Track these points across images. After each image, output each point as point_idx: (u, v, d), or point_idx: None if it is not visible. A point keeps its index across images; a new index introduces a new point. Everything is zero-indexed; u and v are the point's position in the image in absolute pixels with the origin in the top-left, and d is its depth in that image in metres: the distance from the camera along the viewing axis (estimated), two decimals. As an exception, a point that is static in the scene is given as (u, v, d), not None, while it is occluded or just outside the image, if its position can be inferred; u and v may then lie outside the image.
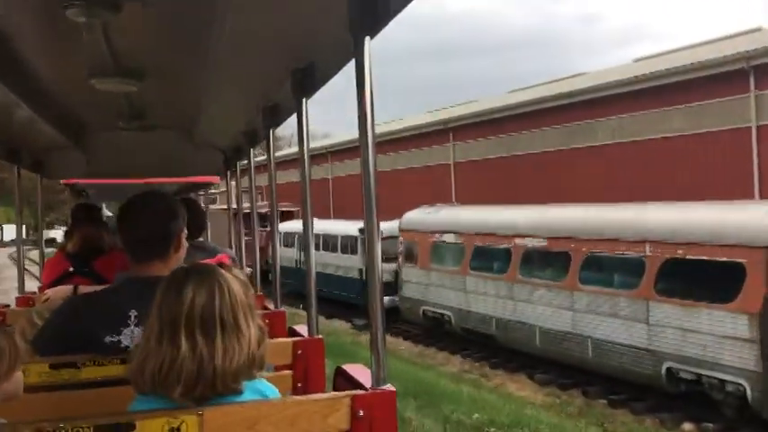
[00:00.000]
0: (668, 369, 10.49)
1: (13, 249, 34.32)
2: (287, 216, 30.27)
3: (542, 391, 13.11)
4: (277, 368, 2.51)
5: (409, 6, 1.74)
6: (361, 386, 1.87)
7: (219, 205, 35.02)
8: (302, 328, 2.90)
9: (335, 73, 2.46)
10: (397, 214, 23.48)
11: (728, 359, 9.54)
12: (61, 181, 7.68)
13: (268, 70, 2.64)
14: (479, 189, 23.65)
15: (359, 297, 20.56)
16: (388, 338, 17.59)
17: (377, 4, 1.75)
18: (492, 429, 8.78)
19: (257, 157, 4.39)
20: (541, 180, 21.58)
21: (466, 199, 22.10)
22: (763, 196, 15.89)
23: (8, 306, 3.90)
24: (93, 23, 1.99)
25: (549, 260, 13.33)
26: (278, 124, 3.34)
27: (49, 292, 3.32)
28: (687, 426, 10.39)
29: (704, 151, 16.88)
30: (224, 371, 1.56)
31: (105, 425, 1.47)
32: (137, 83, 2.75)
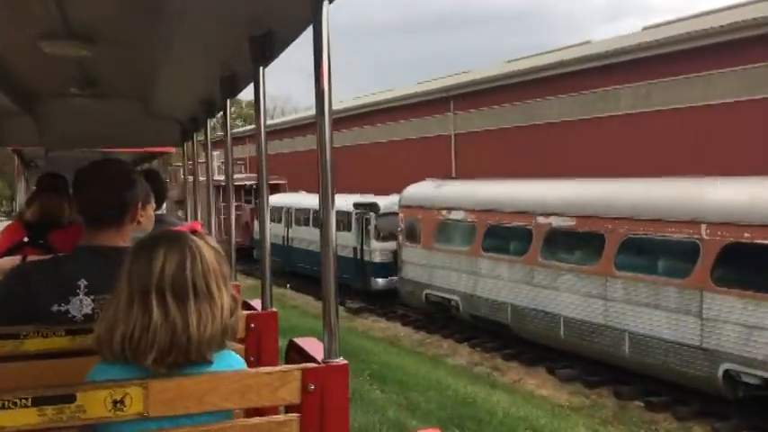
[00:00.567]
0: (726, 371, 8.99)
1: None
2: (273, 189, 28.45)
3: (566, 388, 11.62)
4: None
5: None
6: (312, 359, 1.85)
7: (201, 177, 33.19)
8: (256, 302, 2.79)
9: (293, 40, 2.36)
10: (389, 189, 21.86)
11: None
12: (9, 149, 7.55)
13: (225, 37, 2.56)
14: (482, 162, 21.98)
15: (354, 278, 18.94)
16: (386, 323, 15.82)
17: None
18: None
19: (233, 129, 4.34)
20: (553, 153, 19.95)
21: (467, 174, 20.42)
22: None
23: None
24: None
25: (577, 241, 11.75)
26: (235, 94, 3.25)
27: None
28: (747, 436, 8.98)
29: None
30: (199, 339, 1.55)
31: (44, 396, 1.44)
32: (89, 47, 2.63)
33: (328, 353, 1.81)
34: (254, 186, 28.60)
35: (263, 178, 2.71)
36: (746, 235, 8.69)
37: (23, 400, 1.43)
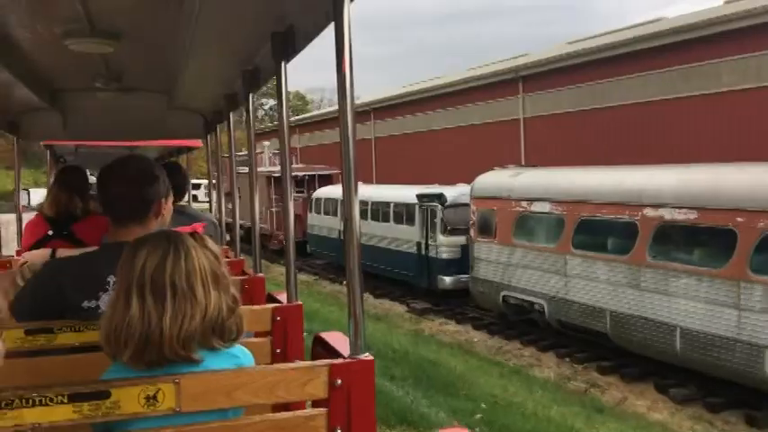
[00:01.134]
0: None
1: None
2: (324, 180, 27.11)
3: (684, 412, 9.84)
4: (256, 334, 2.49)
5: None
6: (339, 354, 1.86)
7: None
8: (281, 295, 2.80)
9: (315, 36, 2.29)
10: (452, 178, 20.17)
11: None
12: (41, 143, 7.55)
13: (247, 33, 2.60)
14: (555, 148, 20.07)
15: (418, 276, 17.38)
16: (456, 327, 14.03)
17: None
18: None
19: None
20: (638, 137, 17.93)
21: (537, 161, 18.56)
22: None
23: None
24: None
25: (698, 238, 9.91)
26: (258, 88, 3.23)
27: (27, 255, 3.32)
28: None
29: None
30: (171, 336, 1.54)
31: (81, 393, 1.47)
32: (113, 44, 2.67)
33: (354, 348, 1.81)
34: (306, 177, 27.34)
35: (287, 171, 2.71)
36: None
37: (60, 397, 1.46)
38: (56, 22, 2.49)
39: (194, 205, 5.46)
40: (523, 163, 19.98)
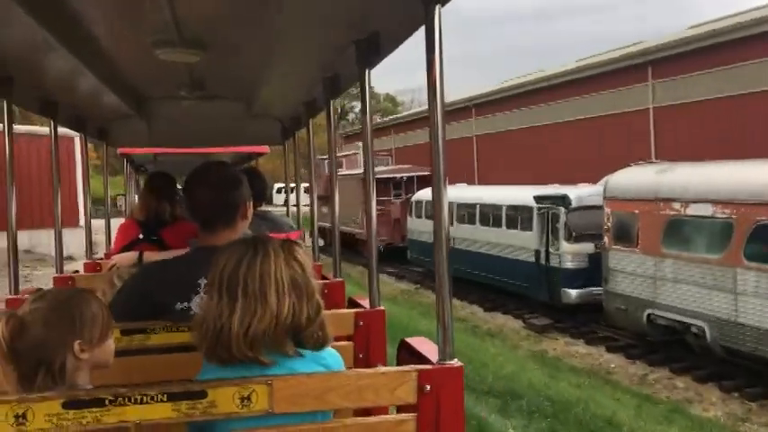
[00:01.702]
0: None
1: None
2: (424, 182, 25.52)
3: None
4: (337, 338, 2.32)
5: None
6: (426, 360, 1.87)
7: (346, 170, 30.97)
8: (363, 299, 2.76)
9: (401, 43, 2.34)
10: (572, 178, 18.07)
11: None
12: (118, 152, 7.84)
13: (330, 41, 2.61)
14: (694, 140, 17.54)
15: (536, 288, 15.44)
16: (586, 348, 10.91)
17: None
18: None
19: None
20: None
21: (669, 156, 16.16)
22: None
23: (77, 272, 4.24)
24: None
25: None
26: (338, 95, 3.28)
27: (116, 258, 3.41)
28: None
29: None
30: (238, 334, 1.59)
31: (179, 392, 1.51)
32: (200, 53, 2.73)
33: (443, 354, 1.79)
34: (404, 179, 25.86)
35: (370, 174, 2.71)
36: None
37: (160, 396, 1.51)
38: (146, 31, 2.56)
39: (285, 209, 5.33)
40: (653, 158, 17.60)
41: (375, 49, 2.40)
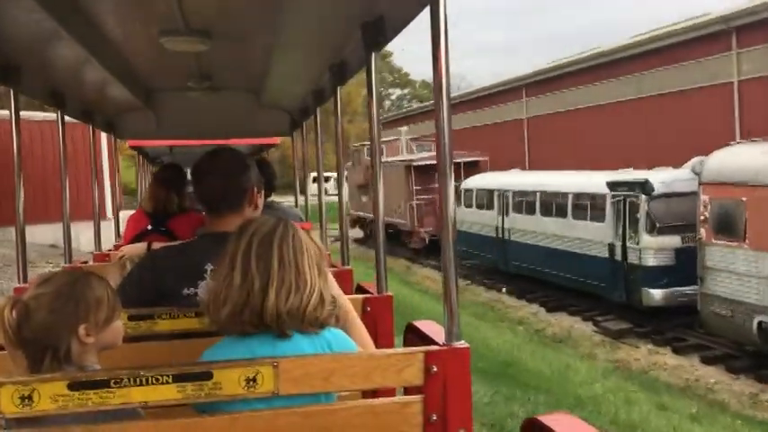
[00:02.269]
0: None
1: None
2: (470, 168, 23.67)
3: None
4: None
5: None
6: (432, 342, 1.90)
7: (386, 157, 29.26)
8: (371, 285, 2.82)
9: (406, 25, 2.29)
10: (637, 161, 16.05)
11: None
12: (128, 145, 8.17)
13: (337, 25, 2.57)
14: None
15: (610, 287, 13.54)
16: (676, 359, 8.82)
17: None
18: None
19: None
20: None
21: (757, 135, 14.00)
22: None
23: (86, 263, 4.37)
24: None
25: None
26: (344, 81, 3.25)
27: (125, 248, 3.47)
28: None
29: None
30: (276, 305, 1.59)
31: (184, 374, 1.52)
32: (206, 42, 2.72)
33: (449, 335, 1.79)
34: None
35: (378, 164, 2.68)
36: None
37: (165, 377, 1.51)
38: (152, 21, 2.55)
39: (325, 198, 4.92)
40: (738, 139, 15.45)
41: (381, 31, 2.38)
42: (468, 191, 20.11)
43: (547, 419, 1.79)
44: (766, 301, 9.65)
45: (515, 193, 17.26)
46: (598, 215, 13.86)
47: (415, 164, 23.57)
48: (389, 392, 1.89)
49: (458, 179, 23.66)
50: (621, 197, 13.12)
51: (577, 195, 14.70)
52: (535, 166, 23.48)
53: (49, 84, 3.50)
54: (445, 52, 1.73)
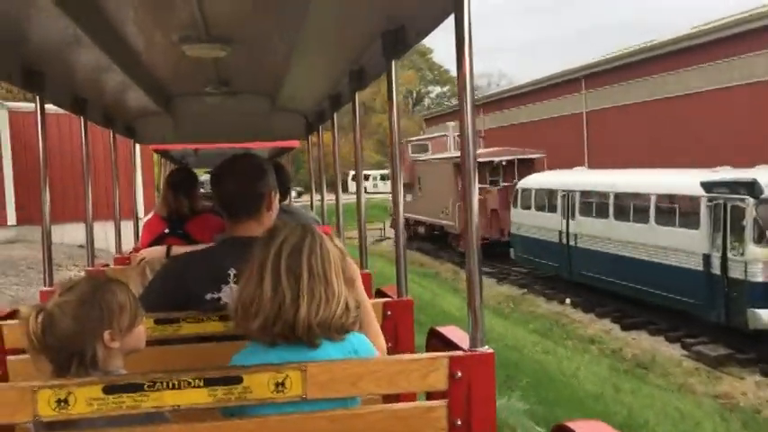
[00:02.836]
0: None
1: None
2: (526, 167, 21.81)
3: None
4: None
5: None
6: (457, 347, 1.88)
7: (432, 154, 27.52)
8: (390, 289, 2.79)
9: (428, 34, 2.30)
10: (721, 159, 14.04)
11: None
12: (151, 148, 8.31)
13: (358, 33, 2.59)
14: None
15: (707, 305, 11.60)
16: None
17: None
18: None
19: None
20: None
21: None
22: None
23: (107, 265, 4.47)
24: None
25: None
26: (363, 87, 3.22)
27: (144, 252, 3.49)
28: None
29: None
30: (308, 318, 1.60)
31: (215, 378, 1.54)
32: (226, 48, 2.74)
33: (474, 341, 1.78)
34: (503, 163, 22.18)
35: (397, 167, 2.67)
36: None
37: (197, 381, 1.53)
38: (173, 28, 2.58)
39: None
40: None
41: (402, 40, 2.38)
42: (525, 191, 18.26)
43: (576, 425, 1.80)
44: None
45: (583, 194, 15.37)
46: (689, 221, 11.93)
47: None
48: (410, 397, 1.94)
49: (511, 178, 21.86)
50: (721, 200, 11.18)
51: (663, 197, 12.77)
52: (596, 164, 21.46)
53: (72, 90, 3.56)
54: (469, 58, 1.74)
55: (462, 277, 21.85)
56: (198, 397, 1.52)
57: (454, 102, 52.44)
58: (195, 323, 2.10)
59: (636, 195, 13.52)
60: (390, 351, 2.30)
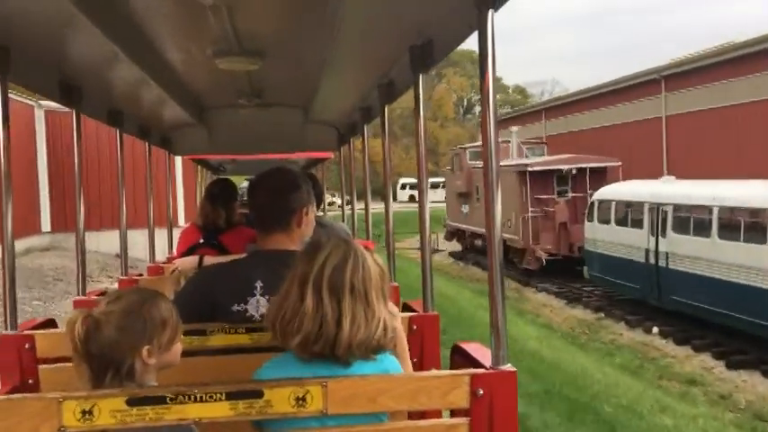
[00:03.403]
0: None
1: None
2: (598, 176, 19.76)
3: None
4: None
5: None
6: (479, 365, 1.86)
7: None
8: (417, 304, 2.79)
9: (453, 49, 2.38)
10: None
11: None
12: (188, 158, 8.95)
13: (386, 47, 2.63)
14: None
15: None
16: None
17: None
18: None
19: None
20: None
21: None
22: None
23: (141, 275, 4.49)
24: (219, 5, 2.06)
25: None
26: (392, 101, 3.27)
27: (177, 262, 3.53)
28: None
29: None
30: (350, 338, 1.60)
31: (237, 391, 1.56)
32: (258, 61, 2.79)
33: (497, 359, 1.78)
34: (573, 172, 20.16)
35: (425, 179, 2.71)
36: None
37: (219, 395, 1.55)
38: (207, 42, 2.60)
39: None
40: None
41: (429, 54, 2.42)
42: (603, 203, 16.24)
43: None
44: None
45: (678, 208, 13.30)
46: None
47: (530, 169, 19.86)
48: (436, 413, 1.94)
49: (582, 188, 19.86)
50: None
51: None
52: (677, 173, 19.26)
53: (108, 104, 3.64)
54: (492, 75, 1.77)
55: (526, 297, 20.04)
56: (220, 410, 1.55)
57: (506, 109, 50.76)
58: (223, 335, 2.13)
59: (751, 211, 11.40)
60: (416, 366, 2.32)
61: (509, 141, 23.04)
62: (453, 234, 27.46)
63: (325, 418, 1.57)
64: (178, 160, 15.39)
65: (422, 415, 1.93)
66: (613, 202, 15.78)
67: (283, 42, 2.69)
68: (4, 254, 2.31)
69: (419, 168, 2.69)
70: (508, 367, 1.75)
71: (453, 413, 1.78)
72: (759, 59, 19.15)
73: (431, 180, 57.76)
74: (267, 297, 2.05)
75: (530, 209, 19.72)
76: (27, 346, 2.23)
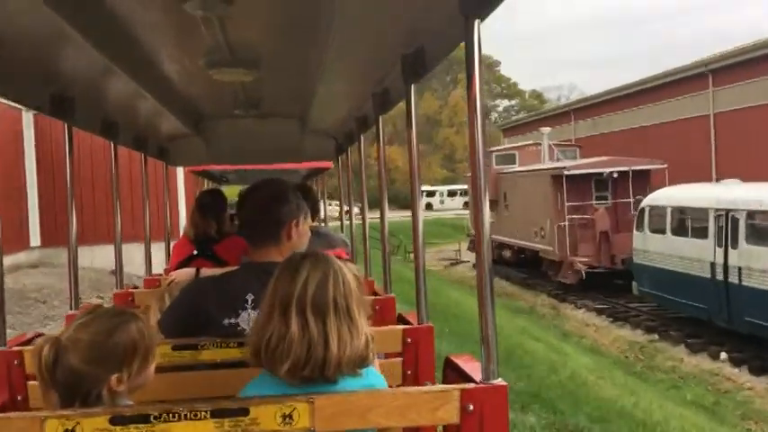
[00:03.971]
0: None
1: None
2: (640, 179, 17.94)
3: None
4: (387, 355, 2.56)
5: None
6: (470, 379, 1.86)
7: (521, 166, 23.80)
8: (412, 315, 2.80)
9: (443, 58, 2.41)
10: None
11: None
12: (187, 169, 9.20)
13: (379, 56, 2.65)
14: None
15: None
16: None
17: None
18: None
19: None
20: None
21: None
22: None
23: (137, 288, 4.48)
24: (210, 17, 2.07)
25: None
26: (387, 110, 3.27)
27: (174, 274, 3.52)
28: None
29: None
30: (339, 357, 1.59)
31: (222, 409, 1.54)
32: (252, 72, 2.82)
33: (487, 373, 1.76)
34: (614, 175, 18.32)
35: (416, 189, 2.68)
36: None
37: (203, 413, 1.52)
38: (200, 53, 2.63)
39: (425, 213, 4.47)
40: None
41: (420, 63, 2.44)
42: (655, 209, 14.41)
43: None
44: None
45: (752, 215, 11.46)
46: None
47: (566, 173, 18.06)
48: (430, 430, 1.94)
49: (624, 194, 18.05)
50: None
51: None
52: (727, 175, 17.43)
53: (102, 116, 3.62)
54: (479, 85, 1.76)
55: (565, 314, 18.16)
56: (205, 428, 1.53)
57: (522, 115, 48.87)
58: (214, 349, 2.11)
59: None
60: (410, 379, 2.42)
61: (539, 144, 21.26)
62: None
63: None
64: (180, 171, 14.71)
65: (415, 430, 1.89)
66: (668, 209, 13.94)
67: (276, 53, 2.73)
68: None
69: (412, 179, 2.67)
70: (499, 381, 1.73)
71: (445, 429, 1.82)
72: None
73: (449, 187, 56.41)
74: (258, 311, 1.88)
75: (566, 216, 17.92)
76: (16, 362, 2.27)
